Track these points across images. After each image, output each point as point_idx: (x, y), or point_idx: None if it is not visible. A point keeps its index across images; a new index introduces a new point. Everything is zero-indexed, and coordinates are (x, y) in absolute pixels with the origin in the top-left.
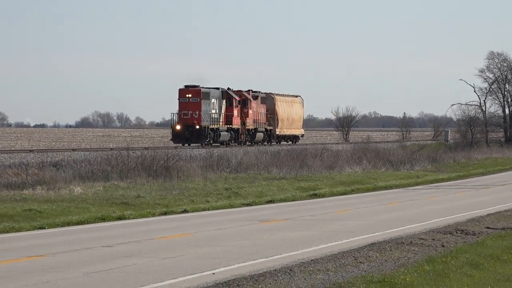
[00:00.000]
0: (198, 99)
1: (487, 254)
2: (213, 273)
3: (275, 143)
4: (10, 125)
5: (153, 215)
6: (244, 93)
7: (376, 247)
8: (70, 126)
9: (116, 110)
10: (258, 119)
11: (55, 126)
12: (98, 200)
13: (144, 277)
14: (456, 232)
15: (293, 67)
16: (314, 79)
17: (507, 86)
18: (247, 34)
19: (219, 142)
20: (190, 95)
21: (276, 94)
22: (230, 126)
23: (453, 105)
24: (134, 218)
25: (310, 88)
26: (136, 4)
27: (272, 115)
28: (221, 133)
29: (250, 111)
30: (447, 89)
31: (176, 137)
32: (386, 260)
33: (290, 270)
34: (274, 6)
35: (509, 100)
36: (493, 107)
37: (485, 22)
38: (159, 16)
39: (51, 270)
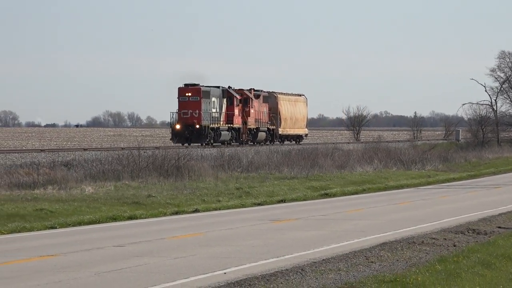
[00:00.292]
0: (198, 98)
1: (498, 254)
2: (225, 273)
3: (277, 142)
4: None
5: (164, 214)
6: (245, 91)
7: (387, 246)
8: (81, 126)
9: (127, 109)
10: (260, 118)
11: (66, 125)
12: (109, 199)
13: (155, 277)
14: (468, 232)
15: (299, 67)
16: (322, 78)
17: None
18: (257, 33)
19: (219, 141)
20: (189, 94)
21: (279, 92)
22: (231, 125)
23: (464, 104)
24: (145, 218)
25: (319, 88)
26: (147, 2)
27: (274, 114)
28: (222, 132)
29: (252, 110)
30: (458, 88)
31: (176, 136)
32: (397, 260)
33: (302, 269)
34: (278, 3)
35: None
36: (504, 106)
37: (496, 22)
38: (175, 15)
39: (62, 269)
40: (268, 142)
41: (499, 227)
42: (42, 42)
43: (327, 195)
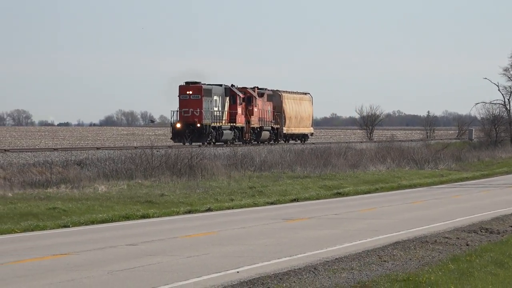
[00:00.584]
0: (199, 96)
1: (511, 253)
2: (238, 272)
3: (282, 142)
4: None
5: (177, 213)
6: (249, 90)
7: (400, 245)
8: (95, 125)
9: (140, 108)
10: (264, 117)
11: (79, 124)
12: (122, 198)
13: (168, 276)
14: (481, 231)
15: (307, 67)
16: (328, 77)
17: None
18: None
19: (221, 141)
20: (190, 92)
21: (284, 91)
22: (234, 124)
23: (477, 103)
24: (158, 217)
25: (326, 87)
26: (160, 1)
27: (279, 113)
28: (224, 131)
29: (255, 109)
30: (471, 87)
31: (176, 135)
32: (410, 259)
33: (315, 268)
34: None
35: None
36: None
37: (509, 21)
38: (188, 13)
39: (75, 268)
40: (272, 142)
41: None
42: (55, 42)
43: (340, 194)
